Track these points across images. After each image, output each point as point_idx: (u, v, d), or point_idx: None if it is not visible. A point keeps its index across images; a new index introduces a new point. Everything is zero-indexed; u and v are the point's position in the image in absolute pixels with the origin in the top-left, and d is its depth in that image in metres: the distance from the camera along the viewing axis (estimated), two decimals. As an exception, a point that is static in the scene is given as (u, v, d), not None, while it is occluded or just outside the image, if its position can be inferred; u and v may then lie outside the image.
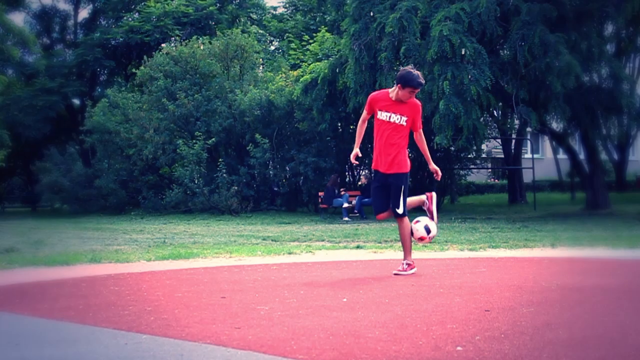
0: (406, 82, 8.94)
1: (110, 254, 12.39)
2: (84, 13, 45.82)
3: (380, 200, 9.30)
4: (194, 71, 31.98)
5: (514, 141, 36.50)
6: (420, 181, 31.29)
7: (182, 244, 14.83)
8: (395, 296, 7.22)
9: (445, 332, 5.34)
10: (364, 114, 9.36)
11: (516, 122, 31.93)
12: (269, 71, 34.28)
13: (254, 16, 45.54)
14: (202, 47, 32.58)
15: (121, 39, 40.76)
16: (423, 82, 9.18)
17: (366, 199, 25.11)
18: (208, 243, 15.15)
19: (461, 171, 34.57)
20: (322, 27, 34.17)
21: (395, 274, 9.01)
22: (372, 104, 9.18)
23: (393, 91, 9.08)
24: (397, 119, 9.04)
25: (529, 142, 43.47)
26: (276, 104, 29.41)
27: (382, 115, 9.06)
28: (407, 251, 9.26)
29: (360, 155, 9.28)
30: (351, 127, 30.34)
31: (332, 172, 27.91)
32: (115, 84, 41.64)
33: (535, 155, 42.10)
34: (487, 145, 39.86)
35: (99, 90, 43.55)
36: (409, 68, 9.15)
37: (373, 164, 9.35)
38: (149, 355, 4.88)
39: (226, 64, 32.50)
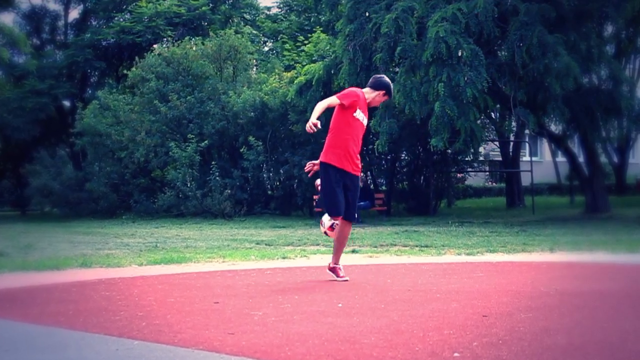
0: (389, 91, 9.39)
1: (101, 258, 12.39)
2: (74, 13, 45.84)
3: (343, 201, 9.08)
4: (187, 72, 31.97)
5: (512, 144, 36.55)
6: (416, 184, 31.31)
7: (175, 248, 14.83)
8: (391, 301, 7.22)
9: (442, 338, 5.34)
10: (336, 101, 9.04)
11: (514, 124, 31.96)
12: (262, 72, 34.27)
13: (248, 16, 45.46)
14: (194, 48, 32.58)
15: (112, 40, 40.71)
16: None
17: (362, 203, 25.09)
18: (201, 247, 15.15)
19: (458, 174, 34.58)
20: (317, 27, 34.15)
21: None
22: (357, 101, 9.06)
23: (370, 94, 9.18)
24: (366, 122, 9.26)
25: (527, 144, 43.55)
26: (270, 105, 29.41)
27: (359, 116, 9.07)
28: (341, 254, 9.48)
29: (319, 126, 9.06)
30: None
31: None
32: (106, 85, 41.66)
33: (534, 158, 42.20)
34: (484, 148, 39.90)
35: (90, 91, 43.54)
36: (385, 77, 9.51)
37: (338, 163, 9.05)
38: (141, 361, 4.89)
39: (219, 65, 32.50)
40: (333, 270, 9.22)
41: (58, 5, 45.37)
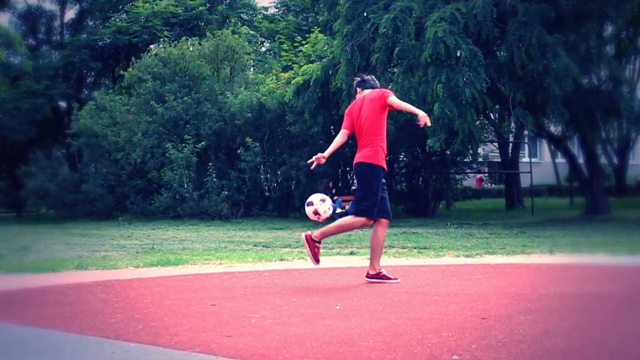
0: None
1: (97, 260, 12.38)
2: (70, 13, 45.82)
3: None
4: (183, 73, 31.96)
5: (511, 145, 36.57)
6: (414, 186, 31.31)
7: (171, 250, 14.82)
8: (390, 304, 7.22)
9: (440, 341, 5.34)
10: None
11: (513, 125, 31.99)
12: (260, 73, 34.27)
13: (245, 17, 45.51)
14: (191, 48, 32.57)
15: (108, 40, 40.73)
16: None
17: (359, 205, 25.09)
18: (198, 249, 15.14)
19: (457, 175, 34.58)
20: (315, 27, 34.16)
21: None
22: None
23: None
24: None
25: (526, 145, 43.58)
26: (267, 106, 29.40)
27: None
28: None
29: None
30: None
31: (325, 176, 27.89)
32: (102, 86, 41.57)
33: (533, 159, 42.19)
34: (483, 149, 39.90)
35: (86, 92, 43.45)
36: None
37: (385, 165, 9.26)
38: (137, 364, 4.88)
39: (216, 65, 32.51)
40: (378, 275, 9.04)
41: (54, 5, 45.35)
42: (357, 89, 9.40)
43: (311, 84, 26.31)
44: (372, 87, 9.32)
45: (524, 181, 36.60)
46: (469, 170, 35.53)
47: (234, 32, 34.43)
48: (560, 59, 21.61)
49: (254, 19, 45.28)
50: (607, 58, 24.95)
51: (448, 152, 28.61)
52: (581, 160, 28.72)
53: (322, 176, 27.84)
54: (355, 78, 9.79)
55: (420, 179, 31.38)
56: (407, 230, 20.31)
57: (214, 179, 28.45)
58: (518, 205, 34.21)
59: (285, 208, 30.36)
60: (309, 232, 9.03)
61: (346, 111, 9.37)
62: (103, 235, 21.01)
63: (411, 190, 31.35)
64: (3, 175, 49.10)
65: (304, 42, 33.26)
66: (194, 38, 34.11)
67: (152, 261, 11.98)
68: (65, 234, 22.28)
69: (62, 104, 44.15)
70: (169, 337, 5.67)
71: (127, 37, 38.93)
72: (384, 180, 9.27)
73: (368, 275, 9.09)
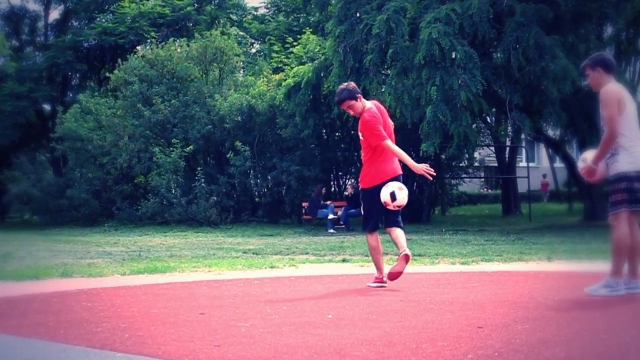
0: None
1: (82, 267, 12.36)
2: (55, 14, 45.70)
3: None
4: (171, 75, 31.90)
5: (508, 149, 36.57)
6: (408, 191, 31.24)
7: (159, 257, 14.81)
8: (383, 312, 7.22)
9: (435, 350, 5.34)
10: None
11: (509, 128, 32.02)
12: (249, 75, 34.26)
13: (234, 17, 45.48)
14: (179, 50, 32.52)
15: (94, 41, 40.62)
16: (336, 98, 9.70)
17: (352, 210, 25.10)
18: (186, 256, 15.13)
19: (452, 180, 34.57)
20: (307, 28, 34.14)
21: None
22: None
23: None
24: (360, 135, 9.49)
25: (524, 149, 43.60)
26: (257, 109, 29.37)
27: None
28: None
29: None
30: (336, 134, 30.32)
31: (316, 181, 27.86)
32: (87, 88, 41.55)
33: (531, 164, 42.19)
34: (479, 153, 39.91)
35: (71, 95, 43.34)
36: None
37: None
38: (124, 374, 4.87)
39: (205, 67, 32.47)
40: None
41: (38, 5, 45.24)
42: (358, 96, 9.42)
43: (302, 86, 26.28)
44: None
45: (522, 186, 36.60)
46: (464, 175, 35.51)
47: (223, 33, 34.39)
48: (558, 60, 21.64)
49: (244, 19, 45.27)
50: (607, 60, 24.94)
51: (443, 156, 28.60)
52: (580, 165, 28.70)
53: (314, 182, 27.82)
54: (349, 88, 9.59)
55: (415, 184, 31.31)
56: (401, 237, 20.28)
57: (203, 184, 28.40)
58: (515, 211, 34.22)
59: (276, 214, 30.32)
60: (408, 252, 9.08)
61: (376, 122, 9.36)
62: (88, 242, 20.99)
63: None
64: (-15, 181, 48.99)
65: (295, 43, 33.23)
66: (182, 39, 34.03)
67: (138, 268, 11.98)
68: (50, 240, 22.25)
69: (47, 107, 44.01)
70: (156, 346, 5.67)
71: (113, 38, 38.85)
72: None
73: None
